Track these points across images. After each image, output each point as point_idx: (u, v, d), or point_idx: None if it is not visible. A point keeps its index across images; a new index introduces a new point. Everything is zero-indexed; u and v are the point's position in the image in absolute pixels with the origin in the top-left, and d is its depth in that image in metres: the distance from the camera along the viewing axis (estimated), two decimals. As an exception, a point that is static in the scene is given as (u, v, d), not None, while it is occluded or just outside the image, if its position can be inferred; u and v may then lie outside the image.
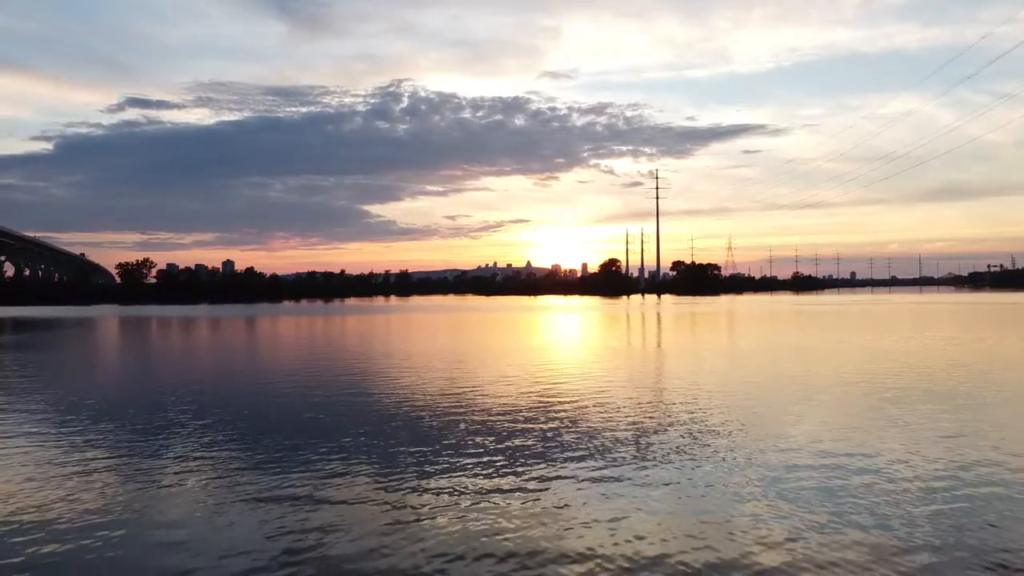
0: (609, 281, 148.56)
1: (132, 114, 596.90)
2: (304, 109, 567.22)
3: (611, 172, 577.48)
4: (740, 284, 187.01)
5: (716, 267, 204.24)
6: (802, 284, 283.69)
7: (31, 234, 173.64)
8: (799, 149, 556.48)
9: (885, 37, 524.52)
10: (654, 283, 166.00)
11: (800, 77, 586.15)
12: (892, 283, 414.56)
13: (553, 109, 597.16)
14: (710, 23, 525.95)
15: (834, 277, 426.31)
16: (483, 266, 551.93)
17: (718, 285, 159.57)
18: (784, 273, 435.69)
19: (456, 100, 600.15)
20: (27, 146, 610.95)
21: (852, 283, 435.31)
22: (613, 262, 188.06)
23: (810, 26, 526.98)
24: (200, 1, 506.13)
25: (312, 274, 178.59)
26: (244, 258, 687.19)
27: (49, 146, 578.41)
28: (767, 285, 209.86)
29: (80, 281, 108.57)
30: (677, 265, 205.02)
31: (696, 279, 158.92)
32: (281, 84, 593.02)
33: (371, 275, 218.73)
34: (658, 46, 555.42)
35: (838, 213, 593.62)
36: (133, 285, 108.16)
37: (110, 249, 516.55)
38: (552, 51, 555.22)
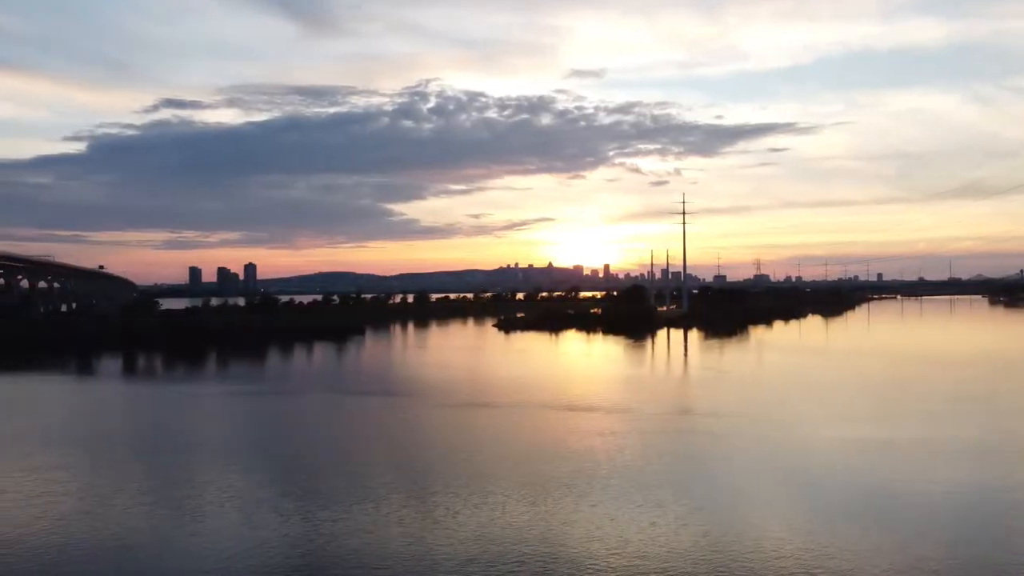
0: (631, 311, 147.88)
1: (165, 114, 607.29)
2: (331, 109, 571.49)
3: (637, 171, 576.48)
4: (767, 306, 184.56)
5: (741, 293, 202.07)
6: (830, 294, 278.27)
7: (38, 255, 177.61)
8: (819, 147, 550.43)
9: (903, 32, 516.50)
10: (677, 315, 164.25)
11: (818, 74, 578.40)
12: (921, 285, 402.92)
13: (580, 108, 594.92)
14: (720, 19, 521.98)
15: (860, 279, 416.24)
16: (505, 266, 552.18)
17: (744, 314, 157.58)
18: (810, 274, 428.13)
19: (483, 99, 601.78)
20: (60, 147, 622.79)
21: (880, 287, 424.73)
22: (637, 289, 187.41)
23: (824, 22, 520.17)
24: (210, 4, 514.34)
25: (325, 304, 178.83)
26: (268, 256, 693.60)
27: (82, 146, 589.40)
28: (793, 304, 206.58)
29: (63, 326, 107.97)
30: (703, 292, 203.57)
31: (722, 310, 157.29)
32: (307, 84, 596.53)
33: (388, 299, 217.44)
34: (669, 44, 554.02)
35: (862, 211, 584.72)
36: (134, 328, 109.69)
37: (138, 248, 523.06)
38: (562, 50, 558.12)
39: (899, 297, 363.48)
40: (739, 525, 25.59)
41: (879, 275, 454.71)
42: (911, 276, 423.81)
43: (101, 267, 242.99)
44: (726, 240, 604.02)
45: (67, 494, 30.82)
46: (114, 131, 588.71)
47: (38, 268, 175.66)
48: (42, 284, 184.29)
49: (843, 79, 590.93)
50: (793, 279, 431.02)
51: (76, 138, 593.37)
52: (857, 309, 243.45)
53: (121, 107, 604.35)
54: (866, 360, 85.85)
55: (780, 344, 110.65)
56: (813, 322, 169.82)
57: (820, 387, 61.79)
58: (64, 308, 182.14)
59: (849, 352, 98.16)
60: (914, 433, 41.68)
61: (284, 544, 24.36)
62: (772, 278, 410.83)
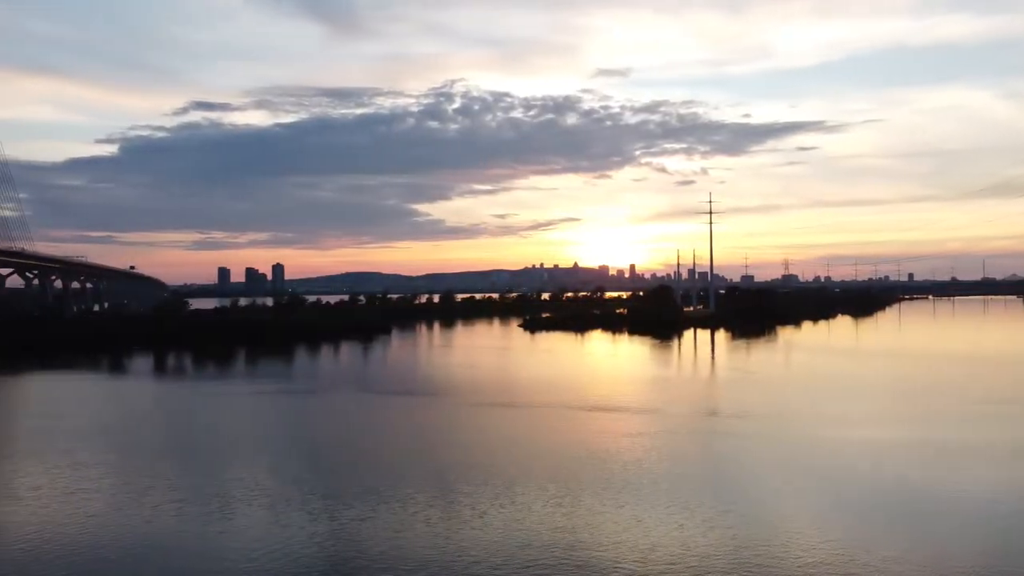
0: (658, 311, 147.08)
1: (194, 117, 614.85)
2: (358, 111, 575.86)
3: (663, 170, 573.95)
4: (795, 306, 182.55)
5: (770, 293, 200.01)
6: (860, 294, 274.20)
7: (71, 255, 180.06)
8: (849, 145, 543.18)
9: (936, 27, 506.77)
10: (704, 315, 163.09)
11: (848, 71, 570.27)
12: (953, 285, 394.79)
13: (606, 107, 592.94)
14: (747, 17, 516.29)
15: (890, 279, 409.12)
16: (530, 266, 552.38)
17: (772, 314, 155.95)
18: (840, 274, 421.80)
19: (508, 99, 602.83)
20: (93, 149, 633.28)
21: (911, 287, 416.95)
22: (663, 289, 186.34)
23: (854, 18, 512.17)
24: (233, 4, 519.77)
25: (351, 304, 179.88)
26: (296, 257, 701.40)
27: (114, 149, 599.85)
28: (822, 304, 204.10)
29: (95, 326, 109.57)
30: (731, 292, 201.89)
31: (750, 310, 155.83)
32: (334, 86, 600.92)
33: (414, 299, 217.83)
34: (695, 42, 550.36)
35: (892, 210, 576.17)
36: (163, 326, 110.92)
37: (168, 249, 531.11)
38: (588, 49, 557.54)
39: (931, 297, 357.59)
40: (768, 528, 25.29)
41: (910, 275, 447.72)
42: (943, 276, 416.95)
43: (132, 267, 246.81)
44: (754, 240, 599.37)
45: (100, 491, 31.28)
46: (145, 133, 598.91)
47: (71, 268, 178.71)
48: (75, 284, 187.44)
49: (874, 76, 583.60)
50: (822, 279, 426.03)
51: (108, 140, 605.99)
52: (888, 310, 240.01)
53: (152, 110, 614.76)
54: (897, 361, 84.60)
55: (809, 345, 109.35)
56: (843, 323, 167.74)
57: (850, 388, 60.96)
58: (96, 308, 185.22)
59: (880, 353, 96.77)
60: (947, 435, 40.92)
61: (311, 543, 24.51)
62: (801, 278, 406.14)
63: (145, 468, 35.51)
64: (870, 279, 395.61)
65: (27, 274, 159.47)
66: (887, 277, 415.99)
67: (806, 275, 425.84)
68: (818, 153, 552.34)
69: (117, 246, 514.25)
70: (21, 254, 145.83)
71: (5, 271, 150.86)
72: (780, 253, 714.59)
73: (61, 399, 60.59)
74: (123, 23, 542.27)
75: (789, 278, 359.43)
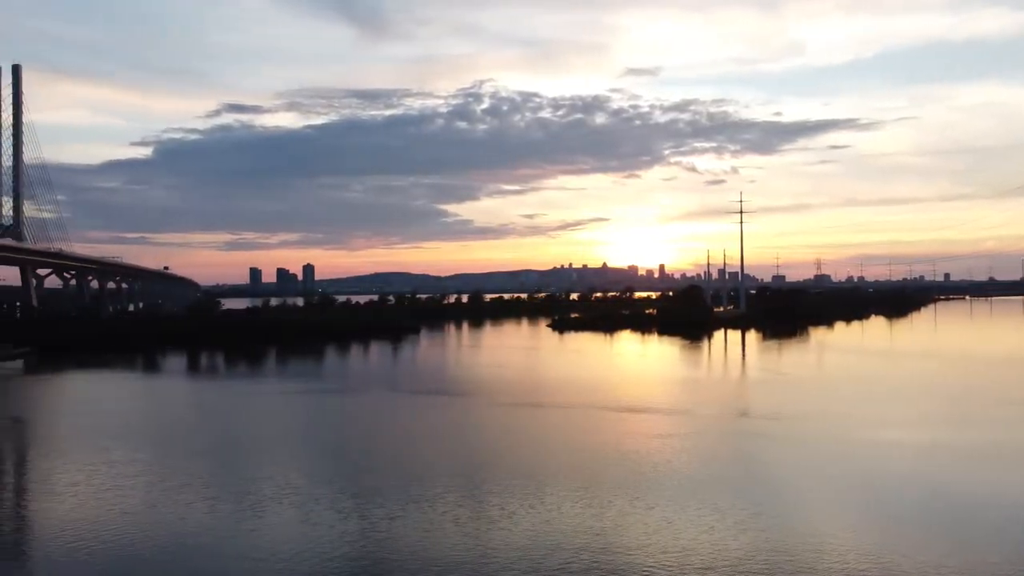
0: (687, 311, 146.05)
1: (227, 119, 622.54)
2: (387, 112, 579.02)
3: (693, 169, 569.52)
4: (827, 307, 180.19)
5: (801, 293, 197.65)
6: (894, 294, 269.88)
7: (107, 256, 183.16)
8: (882, 143, 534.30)
9: (971, 22, 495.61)
10: (734, 316, 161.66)
11: (881, 68, 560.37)
12: (991, 285, 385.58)
13: (635, 107, 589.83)
14: (778, 14, 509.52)
15: (925, 279, 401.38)
16: (559, 267, 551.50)
17: (804, 314, 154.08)
18: (873, 274, 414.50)
19: (537, 99, 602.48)
20: (128, 152, 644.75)
21: (947, 287, 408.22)
22: (693, 289, 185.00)
23: (888, 14, 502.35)
24: (265, 7, 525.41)
25: (380, 304, 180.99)
26: (326, 257, 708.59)
27: (148, 151, 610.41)
28: (855, 305, 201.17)
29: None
30: (761, 292, 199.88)
31: (781, 311, 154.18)
32: (364, 87, 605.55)
33: (443, 300, 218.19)
34: (725, 40, 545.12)
35: (927, 209, 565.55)
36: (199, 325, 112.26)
37: (201, 249, 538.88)
38: (617, 48, 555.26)
39: (967, 298, 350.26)
40: (800, 531, 24.92)
41: (946, 275, 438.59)
42: (980, 276, 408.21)
43: (166, 268, 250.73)
44: (785, 240, 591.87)
45: (134, 488, 31.74)
46: (178, 136, 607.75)
47: (107, 269, 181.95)
48: (111, 285, 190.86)
49: (908, 73, 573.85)
50: (855, 279, 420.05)
51: (143, 143, 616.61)
52: (923, 310, 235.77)
53: (185, 112, 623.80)
54: (933, 362, 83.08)
55: (841, 345, 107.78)
56: (876, 323, 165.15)
57: (884, 390, 59.90)
58: (131, 308, 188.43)
59: (915, 354, 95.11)
60: (985, 438, 39.99)
61: (341, 541, 24.64)
62: (833, 278, 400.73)
63: (178, 466, 36.00)
64: (904, 279, 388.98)
65: (65, 275, 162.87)
66: (922, 277, 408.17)
67: (839, 275, 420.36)
68: (851, 151, 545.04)
69: (151, 247, 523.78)
70: (59, 255, 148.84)
71: (44, 271, 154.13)
72: (812, 253, 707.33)
73: (97, 398, 61.61)
74: (157, 28, 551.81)
75: (821, 278, 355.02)
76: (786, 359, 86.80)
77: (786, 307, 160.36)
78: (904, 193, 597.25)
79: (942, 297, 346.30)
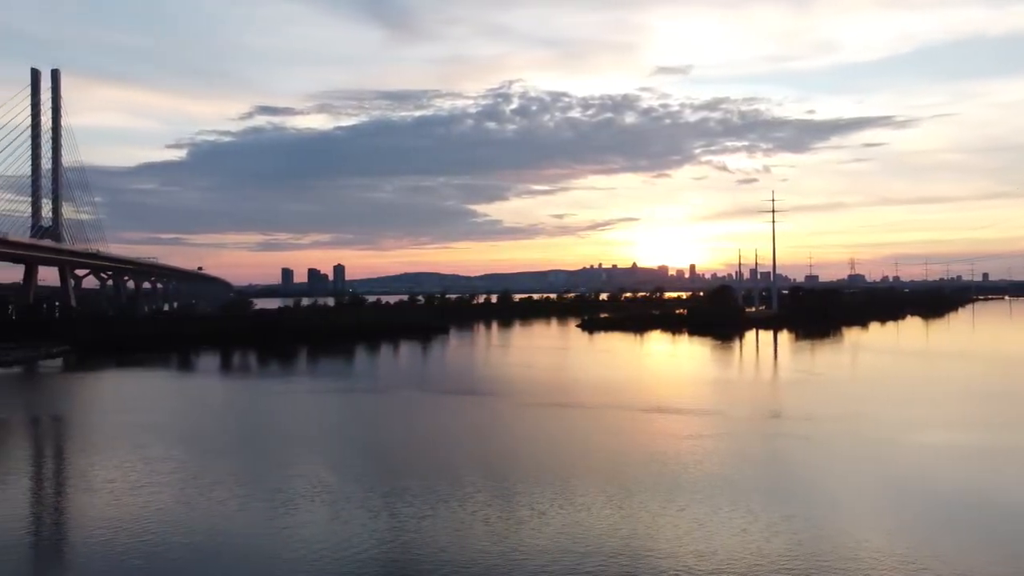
0: (719, 312, 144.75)
1: (259, 121, 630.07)
2: (417, 113, 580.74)
3: (724, 168, 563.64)
4: (862, 307, 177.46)
5: (835, 293, 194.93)
6: (930, 294, 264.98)
7: (143, 257, 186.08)
8: (918, 141, 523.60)
9: (1011, 17, 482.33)
10: (767, 316, 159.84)
11: (917, 64, 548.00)
12: None
13: (665, 106, 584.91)
14: (811, 10, 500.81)
15: (963, 279, 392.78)
16: (588, 267, 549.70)
17: (838, 315, 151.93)
18: (909, 274, 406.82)
19: (566, 99, 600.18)
20: (163, 154, 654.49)
21: (986, 287, 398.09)
22: (724, 289, 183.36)
23: (925, 9, 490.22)
24: (296, 10, 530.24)
25: (410, 304, 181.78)
26: (356, 257, 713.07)
27: (183, 153, 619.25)
28: (891, 305, 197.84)
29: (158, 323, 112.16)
30: (794, 292, 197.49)
31: (814, 311, 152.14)
32: (394, 88, 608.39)
33: (472, 300, 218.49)
34: (757, 37, 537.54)
35: (965, 207, 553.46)
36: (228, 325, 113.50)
37: (234, 250, 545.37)
38: (647, 47, 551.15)
39: (1007, 298, 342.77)
40: (834, 535, 24.53)
41: (985, 275, 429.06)
42: (1020, 275, 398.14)
43: (200, 268, 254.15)
44: (818, 239, 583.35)
45: (169, 485, 32.21)
46: (212, 138, 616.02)
47: (143, 269, 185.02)
48: (146, 285, 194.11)
49: (945, 69, 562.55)
50: (890, 279, 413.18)
51: (177, 145, 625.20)
52: (960, 310, 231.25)
53: (219, 115, 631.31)
54: (970, 364, 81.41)
55: (876, 346, 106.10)
56: (912, 324, 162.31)
57: (920, 391, 58.85)
58: (166, 308, 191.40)
59: (951, 355, 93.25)
60: (1022, 441, 39.36)
61: (372, 540, 24.76)
62: (868, 278, 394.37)
63: (211, 464, 36.45)
64: (941, 279, 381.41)
65: (102, 275, 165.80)
66: (959, 277, 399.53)
67: (873, 275, 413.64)
68: (886, 149, 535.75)
69: (186, 247, 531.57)
70: (97, 255, 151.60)
71: (82, 272, 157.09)
72: (846, 252, 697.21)
73: (133, 396, 62.64)
74: (191, 32, 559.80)
75: (855, 278, 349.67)
76: (819, 360, 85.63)
77: (819, 307, 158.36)
78: (941, 191, 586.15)
79: (980, 297, 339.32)
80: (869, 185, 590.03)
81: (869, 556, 22.60)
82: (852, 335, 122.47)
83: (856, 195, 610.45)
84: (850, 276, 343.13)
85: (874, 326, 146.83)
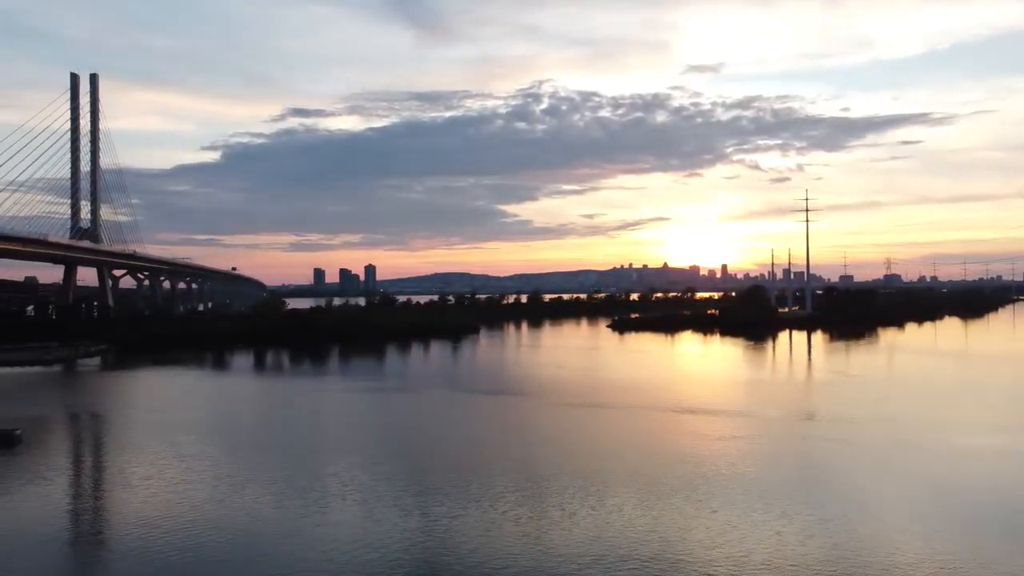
0: (751, 312, 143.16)
1: (291, 123, 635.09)
2: (447, 113, 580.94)
3: (757, 167, 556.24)
4: (898, 307, 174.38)
5: (871, 294, 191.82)
6: (969, 295, 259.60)
7: (178, 257, 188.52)
8: (956, 138, 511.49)
9: None
10: (800, 316, 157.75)
11: (956, 60, 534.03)
12: None
13: (696, 104, 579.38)
14: (845, 6, 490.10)
15: (1003, 279, 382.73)
16: (619, 267, 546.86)
17: (873, 315, 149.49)
18: (947, 274, 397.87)
19: (596, 98, 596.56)
20: (198, 156, 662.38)
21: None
22: (756, 289, 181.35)
23: (963, 4, 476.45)
24: (329, 13, 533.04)
25: (441, 304, 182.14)
26: (387, 257, 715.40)
27: (216, 155, 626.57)
28: (928, 305, 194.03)
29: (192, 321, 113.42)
30: (828, 292, 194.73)
31: (848, 312, 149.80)
32: (424, 89, 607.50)
33: (502, 300, 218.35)
34: (790, 35, 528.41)
35: (1004, 206, 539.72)
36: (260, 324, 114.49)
37: (267, 250, 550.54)
38: (678, 45, 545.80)
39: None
40: (872, 539, 24.11)
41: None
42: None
43: (234, 268, 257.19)
44: (853, 238, 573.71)
45: (203, 481, 32.68)
46: (245, 140, 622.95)
47: (178, 270, 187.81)
48: (181, 285, 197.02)
49: (985, 64, 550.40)
50: (927, 279, 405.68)
51: (212, 148, 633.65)
52: (1000, 311, 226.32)
53: (252, 117, 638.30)
54: (1009, 365, 79.62)
55: (913, 347, 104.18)
56: (950, 325, 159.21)
57: (957, 393, 57.68)
58: (201, 307, 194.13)
59: (990, 356, 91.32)
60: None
61: (404, 539, 24.86)
62: (904, 278, 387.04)
63: (245, 461, 36.87)
64: (981, 279, 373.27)
65: (138, 275, 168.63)
66: (999, 277, 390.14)
67: (910, 275, 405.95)
68: (923, 147, 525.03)
69: (220, 248, 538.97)
70: (134, 256, 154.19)
71: (119, 272, 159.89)
72: (882, 252, 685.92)
73: (169, 394, 63.67)
74: (225, 36, 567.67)
75: (891, 278, 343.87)
76: (854, 361, 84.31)
77: (854, 308, 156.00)
78: (980, 189, 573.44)
79: (1021, 297, 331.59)
80: (906, 184, 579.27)
81: (908, 562, 22.17)
82: (888, 336, 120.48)
83: (892, 194, 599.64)
84: (886, 276, 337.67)
85: (911, 327, 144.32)
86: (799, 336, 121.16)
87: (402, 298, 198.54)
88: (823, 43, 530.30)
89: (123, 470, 35.09)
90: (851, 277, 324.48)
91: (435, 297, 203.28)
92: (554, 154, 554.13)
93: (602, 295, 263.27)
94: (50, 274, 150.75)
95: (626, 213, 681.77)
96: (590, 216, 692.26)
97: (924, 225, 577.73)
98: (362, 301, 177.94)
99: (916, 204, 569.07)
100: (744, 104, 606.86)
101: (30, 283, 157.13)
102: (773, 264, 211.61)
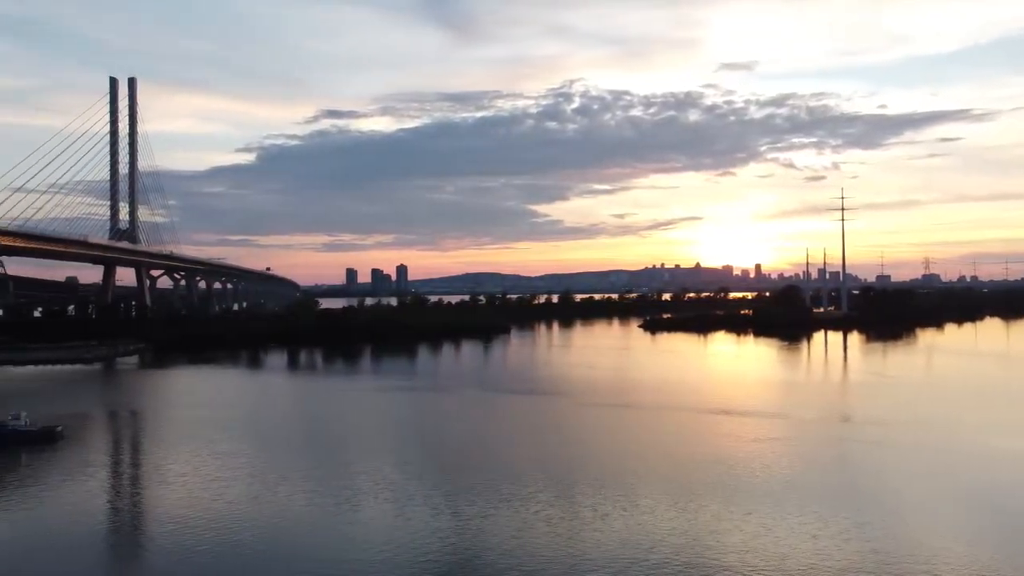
0: (785, 312, 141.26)
1: (324, 125, 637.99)
2: (478, 114, 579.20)
3: (791, 166, 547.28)
4: (937, 307, 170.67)
5: (908, 294, 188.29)
6: (1011, 295, 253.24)
7: (214, 258, 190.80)
8: (998, 134, 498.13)
9: None
10: (836, 317, 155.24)
11: (998, 55, 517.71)
12: None
13: (729, 103, 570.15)
14: (881, 1, 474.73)
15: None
16: (650, 267, 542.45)
17: (911, 315, 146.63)
18: (988, 274, 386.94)
19: (628, 98, 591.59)
20: (233, 158, 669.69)
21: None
22: (791, 289, 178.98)
23: None
24: (362, 15, 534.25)
25: (471, 304, 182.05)
26: (418, 257, 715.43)
27: (251, 157, 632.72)
28: (968, 305, 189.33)
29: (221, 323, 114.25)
30: (865, 292, 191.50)
31: (885, 312, 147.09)
32: (455, 90, 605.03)
33: (533, 300, 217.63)
34: (825, 31, 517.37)
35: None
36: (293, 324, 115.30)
37: (300, 251, 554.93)
38: (710, 43, 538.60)
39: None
40: (911, 543, 23.55)
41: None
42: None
43: (268, 269, 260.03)
44: (891, 237, 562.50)
45: (238, 479, 33.04)
46: (279, 142, 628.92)
47: (214, 270, 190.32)
48: (217, 285, 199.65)
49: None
50: (967, 279, 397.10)
51: (247, 149, 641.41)
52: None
53: (286, 119, 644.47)
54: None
55: (952, 348, 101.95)
56: (991, 325, 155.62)
57: (998, 395, 56.22)
58: (236, 307, 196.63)
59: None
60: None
61: (434, 537, 24.88)
62: (943, 278, 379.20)
63: (279, 459, 37.23)
64: (1023, 279, 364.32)
65: (175, 275, 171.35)
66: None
67: (949, 275, 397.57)
68: (962, 144, 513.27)
69: (254, 248, 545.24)
70: (171, 256, 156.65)
71: (156, 272, 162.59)
72: (920, 251, 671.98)
73: (205, 392, 64.58)
74: (259, 39, 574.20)
75: (930, 277, 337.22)
76: (891, 362, 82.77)
77: (892, 308, 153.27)
78: (1022, 187, 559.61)
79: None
80: (945, 181, 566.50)
81: (948, 566, 21.64)
82: (926, 337, 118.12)
83: (931, 192, 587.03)
84: (924, 276, 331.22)
85: (950, 327, 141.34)
86: (835, 337, 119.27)
87: (433, 298, 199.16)
88: (859, 39, 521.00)
89: (160, 466, 35.65)
90: (888, 277, 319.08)
91: (466, 297, 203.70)
92: (585, 154, 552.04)
93: (633, 295, 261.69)
94: (90, 274, 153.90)
95: (658, 213, 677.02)
96: (621, 216, 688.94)
97: (963, 224, 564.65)
98: (394, 301, 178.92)
99: (955, 202, 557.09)
100: (778, 102, 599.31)
101: (71, 283, 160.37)
102: (808, 264, 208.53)
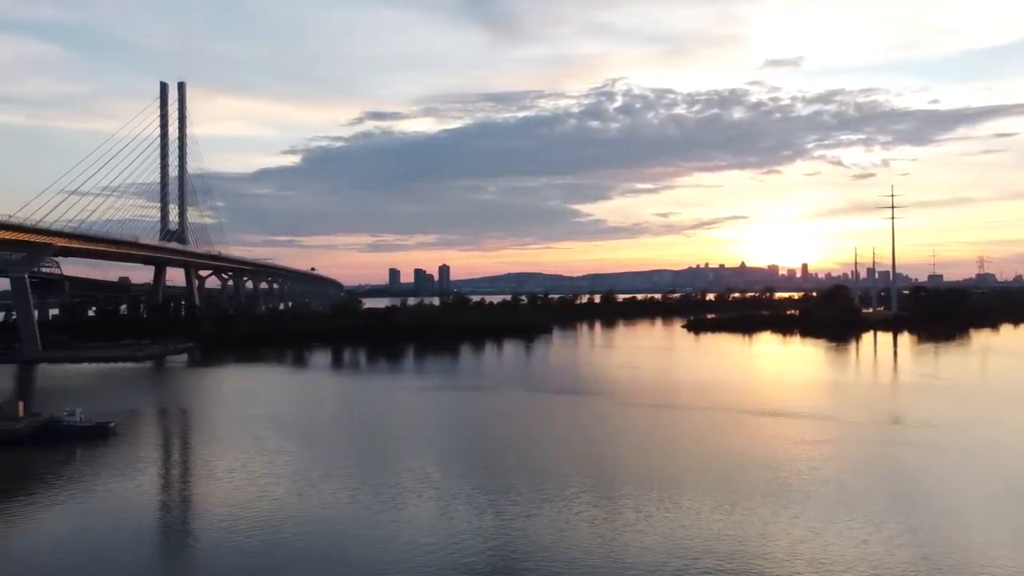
0: (833, 312, 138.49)
1: (368, 126, 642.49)
2: (520, 114, 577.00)
3: (839, 163, 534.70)
4: (992, 307, 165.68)
5: (962, 293, 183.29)
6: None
7: (260, 258, 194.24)
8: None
9: None
10: (885, 317, 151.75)
11: None
12: None
13: (775, 99, 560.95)
14: None
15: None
16: (694, 266, 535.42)
17: (965, 316, 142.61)
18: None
19: (671, 96, 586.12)
20: (279, 160, 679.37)
21: None
22: (839, 289, 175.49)
23: None
24: (405, 17, 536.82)
25: (513, 304, 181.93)
26: (460, 258, 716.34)
27: (297, 159, 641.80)
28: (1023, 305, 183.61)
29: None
30: (916, 292, 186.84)
31: (937, 312, 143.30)
32: (497, 90, 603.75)
33: (575, 300, 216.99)
34: (874, 25, 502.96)
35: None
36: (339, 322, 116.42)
37: (344, 251, 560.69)
38: (755, 39, 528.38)
39: None
40: (965, 550, 22.88)
41: None
42: None
43: (313, 269, 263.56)
44: (943, 236, 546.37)
45: (284, 476, 33.53)
46: (324, 143, 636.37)
47: (260, 270, 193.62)
48: (263, 285, 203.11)
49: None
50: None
51: (292, 151, 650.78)
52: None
53: (330, 121, 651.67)
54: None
55: (1007, 349, 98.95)
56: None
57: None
58: (282, 307, 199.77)
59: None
60: None
61: (477, 537, 24.91)
62: (998, 277, 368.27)
63: (324, 457, 37.70)
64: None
65: (223, 275, 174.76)
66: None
67: (1005, 274, 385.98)
68: (1018, 139, 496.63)
69: (299, 249, 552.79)
70: (219, 257, 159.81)
71: (205, 273, 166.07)
72: (974, 250, 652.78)
73: (252, 390, 65.71)
74: (303, 42, 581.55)
75: (984, 277, 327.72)
76: (944, 363, 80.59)
77: (944, 308, 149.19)
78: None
79: None
80: (1000, 178, 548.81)
81: (1004, 574, 21.02)
82: (980, 337, 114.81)
83: (985, 189, 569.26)
84: (978, 275, 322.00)
85: (1006, 328, 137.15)
86: (884, 337, 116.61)
87: (475, 298, 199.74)
88: (909, 32, 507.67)
89: (208, 463, 36.37)
90: (940, 276, 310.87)
91: (508, 297, 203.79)
92: (628, 153, 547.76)
93: (677, 295, 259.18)
94: (141, 275, 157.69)
95: (702, 212, 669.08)
96: (664, 215, 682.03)
97: (1019, 221, 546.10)
98: (436, 301, 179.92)
99: (1010, 200, 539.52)
100: (825, 98, 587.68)
101: (123, 283, 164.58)
102: (856, 263, 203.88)
